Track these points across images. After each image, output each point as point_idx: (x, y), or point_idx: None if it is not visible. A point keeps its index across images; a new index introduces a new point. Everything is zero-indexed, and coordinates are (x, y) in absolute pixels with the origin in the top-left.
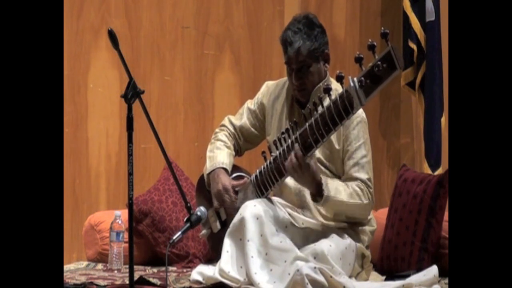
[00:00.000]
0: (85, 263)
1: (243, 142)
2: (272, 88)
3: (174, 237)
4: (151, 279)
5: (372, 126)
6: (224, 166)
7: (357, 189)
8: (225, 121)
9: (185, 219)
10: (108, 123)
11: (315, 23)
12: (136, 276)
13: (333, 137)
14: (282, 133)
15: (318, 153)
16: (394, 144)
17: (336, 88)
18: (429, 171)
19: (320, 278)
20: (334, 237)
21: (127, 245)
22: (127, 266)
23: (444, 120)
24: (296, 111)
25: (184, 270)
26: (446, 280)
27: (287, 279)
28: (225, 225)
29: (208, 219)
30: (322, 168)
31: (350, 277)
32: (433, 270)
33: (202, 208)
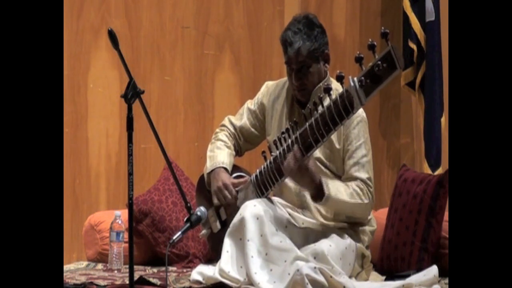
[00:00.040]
0: (85, 263)
1: (243, 142)
2: (272, 88)
3: (174, 237)
4: (151, 279)
5: (372, 126)
6: (225, 166)
7: (357, 189)
8: (225, 121)
9: (185, 219)
10: (108, 123)
11: (315, 23)
12: (136, 276)
13: (334, 137)
14: (282, 133)
15: (318, 153)
16: (394, 144)
17: (336, 88)
18: (429, 171)
19: (320, 278)
20: (334, 237)
21: (127, 245)
22: (127, 266)
23: (444, 120)
24: (296, 111)
25: (184, 270)
26: (446, 280)
27: (287, 279)
28: (225, 225)
29: (208, 219)
30: (323, 167)
31: (350, 277)
32: (433, 270)
33: (202, 208)
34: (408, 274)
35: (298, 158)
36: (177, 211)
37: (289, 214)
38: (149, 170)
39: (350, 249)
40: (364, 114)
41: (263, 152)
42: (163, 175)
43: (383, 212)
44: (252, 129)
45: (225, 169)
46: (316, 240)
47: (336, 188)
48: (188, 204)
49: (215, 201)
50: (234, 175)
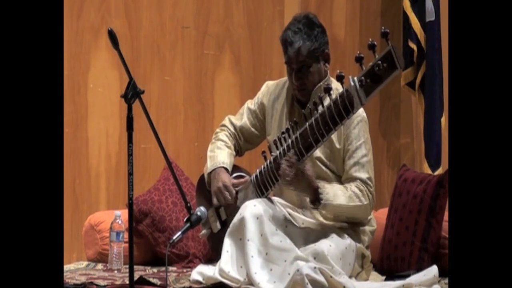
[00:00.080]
0: (85, 263)
1: (243, 142)
2: (272, 88)
3: (174, 237)
4: (151, 279)
5: (372, 126)
6: (225, 166)
7: (357, 190)
8: (226, 121)
9: (185, 219)
10: (108, 123)
11: (315, 23)
12: (136, 276)
13: (334, 137)
14: (282, 132)
15: (319, 152)
16: (394, 144)
17: (337, 87)
18: (429, 171)
19: (320, 278)
20: (334, 237)
21: (127, 245)
22: (127, 266)
23: (444, 120)
24: (296, 111)
25: (184, 270)
26: (446, 280)
27: (287, 279)
28: (225, 225)
29: (208, 219)
30: (323, 167)
31: (350, 277)
32: (433, 270)
33: (202, 208)
34: (408, 274)
35: (293, 163)
36: (177, 211)
37: (289, 214)
38: (149, 170)
39: (350, 249)
40: (364, 114)
41: (263, 152)
42: (163, 175)
43: (383, 212)
44: (252, 129)
45: (226, 169)
46: (316, 240)
47: (334, 193)
48: (188, 204)
49: (215, 201)
50: (234, 175)
